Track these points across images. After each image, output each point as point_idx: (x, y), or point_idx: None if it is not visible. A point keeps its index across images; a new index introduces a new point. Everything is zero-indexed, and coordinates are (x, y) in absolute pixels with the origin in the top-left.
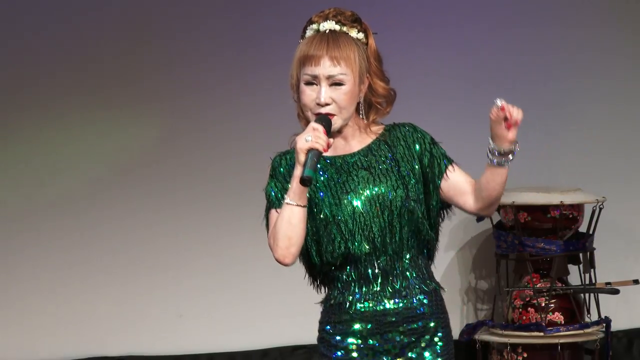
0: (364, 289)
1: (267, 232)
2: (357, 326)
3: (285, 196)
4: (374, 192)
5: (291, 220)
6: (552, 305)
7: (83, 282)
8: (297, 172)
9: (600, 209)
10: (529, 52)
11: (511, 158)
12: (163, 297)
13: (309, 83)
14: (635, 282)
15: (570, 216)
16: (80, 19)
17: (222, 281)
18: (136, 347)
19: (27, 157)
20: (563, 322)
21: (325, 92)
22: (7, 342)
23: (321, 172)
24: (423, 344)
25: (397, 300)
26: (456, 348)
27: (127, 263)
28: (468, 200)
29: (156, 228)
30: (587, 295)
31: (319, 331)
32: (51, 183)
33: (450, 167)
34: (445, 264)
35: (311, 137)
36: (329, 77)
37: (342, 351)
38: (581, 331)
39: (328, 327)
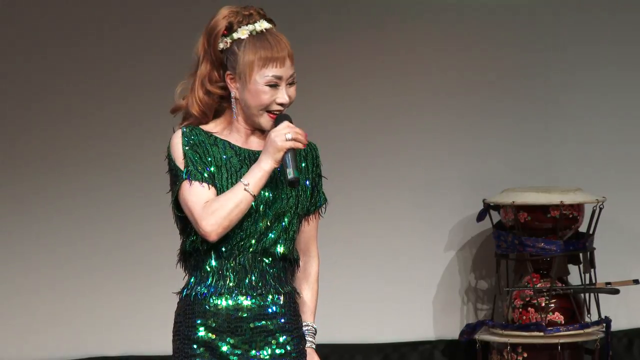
0: (220, 282)
1: (175, 201)
2: (210, 320)
3: (244, 180)
4: (266, 195)
5: (240, 205)
6: (552, 305)
7: (83, 281)
8: (267, 166)
9: (600, 209)
10: (529, 51)
11: None
12: (163, 296)
13: (271, 85)
14: (635, 282)
15: (570, 216)
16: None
17: None
18: (136, 347)
19: (25, 156)
20: (563, 322)
21: (286, 92)
22: (6, 341)
23: (227, 157)
24: (274, 342)
25: (250, 297)
26: (456, 348)
27: (127, 262)
28: (304, 257)
29: (156, 227)
30: (587, 295)
31: (175, 323)
32: (52, 180)
33: (319, 211)
34: (445, 264)
35: (292, 136)
36: (289, 77)
37: (195, 345)
38: (581, 331)
39: (184, 319)
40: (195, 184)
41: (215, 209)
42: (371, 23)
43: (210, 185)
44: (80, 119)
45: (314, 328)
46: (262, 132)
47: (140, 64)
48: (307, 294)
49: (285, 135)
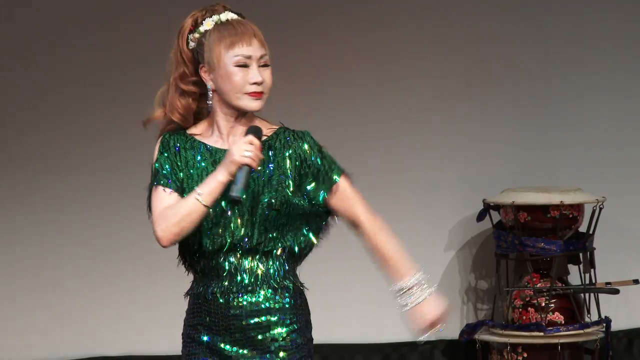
0: (214, 282)
1: (149, 205)
2: (206, 318)
3: (198, 189)
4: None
5: (192, 214)
6: (552, 305)
7: (83, 281)
8: (222, 177)
9: (600, 209)
10: (529, 52)
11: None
12: (163, 296)
13: (240, 65)
14: (635, 282)
15: (570, 216)
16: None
17: None
18: (136, 347)
19: (25, 157)
20: (563, 322)
21: (258, 72)
22: (6, 341)
23: (199, 159)
24: (268, 337)
25: (241, 294)
26: (456, 348)
27: (127, 262)
28: (358, 229)
29: None
30: (587, 295)
31: (184, 321)
32: (53, 180)
33: (336, 185)
34: (445, 264)
35: (250, 153)
36: (260, 58)
37: (195, 343)
38: (581, 331)
39: (187, 318)
40: (159, 188)
41: (167, 215)
42: (372, 25)
43: (173, 191)
44: (80, 120)
45: (416, 280)
46: (246, 124)
47: (142, 64)
48: (388, 250)
49: (244, 151)
